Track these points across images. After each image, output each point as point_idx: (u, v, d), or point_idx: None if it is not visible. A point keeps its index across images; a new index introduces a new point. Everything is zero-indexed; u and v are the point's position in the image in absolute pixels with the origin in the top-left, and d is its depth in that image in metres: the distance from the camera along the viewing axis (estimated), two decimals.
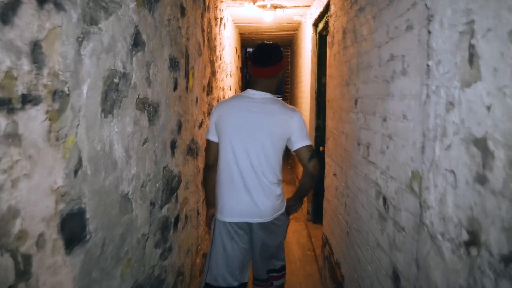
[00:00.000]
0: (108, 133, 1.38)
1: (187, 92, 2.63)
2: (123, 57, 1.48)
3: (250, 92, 2.24)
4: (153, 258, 1.90)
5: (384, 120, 1.74)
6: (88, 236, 1.23)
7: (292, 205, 2.39)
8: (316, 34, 4.71)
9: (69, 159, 1.11)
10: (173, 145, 2.27)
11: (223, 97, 4.81)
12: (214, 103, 4.00)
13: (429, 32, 1.26)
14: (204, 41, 3.29)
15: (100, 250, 1.32)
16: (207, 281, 2.23)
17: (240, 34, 7.54)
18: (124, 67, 1.50)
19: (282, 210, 2.26)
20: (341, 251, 2.71)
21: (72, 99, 1.12)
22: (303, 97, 5.90)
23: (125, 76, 1.51)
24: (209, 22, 3.62)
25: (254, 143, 2.13)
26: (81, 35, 1.17)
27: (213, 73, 3.93)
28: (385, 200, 1.71)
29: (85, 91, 1.20)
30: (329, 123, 3.31)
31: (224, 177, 2.19)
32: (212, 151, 2.29)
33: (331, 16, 3.29)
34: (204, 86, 3.37)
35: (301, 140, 2.16)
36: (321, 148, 4.62)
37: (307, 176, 2.23)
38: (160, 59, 1.98)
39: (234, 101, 2.26)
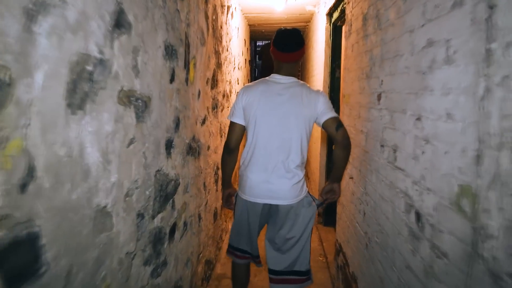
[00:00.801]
0: (77, 133, 1.10)
1: (187, 84, 2.35)
2: (99, 39, 1.20)
3: (277, 77, 2.30)
4: (141, 278, 1.63)
5: (418, 119, 1.44)
6: (43, 268, 0.95)
7: (330, 190, 2.36)
8: (330, 25, 4.40)
9: (12, 170, 0.84)
10: (169, 145, 1.99)
11: (230, 91, 4.52)
12: (220, 97, 3.71)
13: (491, 7, 0.96)
14: (208, 29, 3.00)
15: (63, 282, 1.04)
16: (230, 242, 2.55)
17: (249, 25, 7.23)
18: (101, 52, 1.22)
19: (303, 195, 2.28)
20: (358, 264, 2.41)
21: (18, 90, 0.84)
22: None
23: (102, 63, 1.23)
24: (215, 9, 3.32)
25: (285, 126, 2.20)
26: (34, 7, 0.88)
27: (219, 65, 3.64)
28: (419, 216, 1.41)
29: (40, 80, 0.92)
30: (345, 120, 3.01)
31: (251, 159, 2.27)
32: (235, 133, 2.36)
33: (348, 2, 2.98)
34: (208, 78, 3.09)
35: (327, 113, 2.20)
36: (333, 146, 4.32)
37: (338, 146, 2.27)
38: (153, 46, 1.69)
39: (262, 86, 2.29)
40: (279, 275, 2.34)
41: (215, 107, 3.43)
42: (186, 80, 2.34)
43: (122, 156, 1.40)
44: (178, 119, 2.16)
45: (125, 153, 1.42)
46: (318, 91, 2.29)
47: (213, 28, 3.22)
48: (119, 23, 1.34)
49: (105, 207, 1.27)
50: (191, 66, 2.44)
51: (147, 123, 1.65)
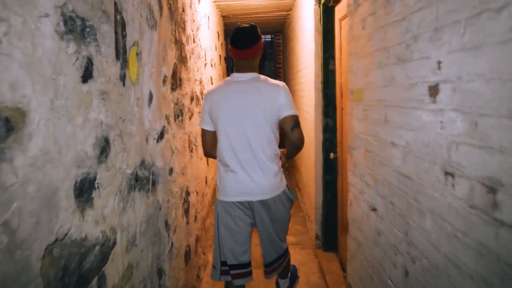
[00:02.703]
0: None
1: (124, 84, 1.52)
2: None
3: (236, 75, 2.30)
4: None
5: None
6: None
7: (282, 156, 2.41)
8: (320, 6, 3.61)
9: None
10: (86, 188, 1.16)
11: (201, 93, 3.69)
12: (186, 101, 2.88)
13: None
14: (162, 7, 2.17)
15: None
16: (221, 259, 2.32)
17: (223, 17, 6.39)
18: None
19: (283, 189, 2.30)
20: None
21: None
22: (303, 90, 4.78)
23: None
24: None
25: (249, 123, 2.19)
26: None
27: (183, 59, 2.80)
28: None
29: None
30: (355, 124, 2.22)
31: (223, 160, 2.26)
32: (207, 139, 2.38)
33: None
34: (166, 76, 2.25)
35: (286, 110, 2.19)
36: (331, 154, 3.53)
37: (290, 145, 2.26)
38: (23, 10, 0.87)
39: (223, 86, 2.30)
40: (272, 263, 2.41)
41: (179, 114, 2.60)
42: (123, 77, 1.51)
43: None
44: (107, 140, 1.34)
45: None
46: (278, 83, 2.26)
47: (169, 8, 2.38)
48: None
49: None
50: (131, 56, 1.62)
51: (15, 162, 0.83)
